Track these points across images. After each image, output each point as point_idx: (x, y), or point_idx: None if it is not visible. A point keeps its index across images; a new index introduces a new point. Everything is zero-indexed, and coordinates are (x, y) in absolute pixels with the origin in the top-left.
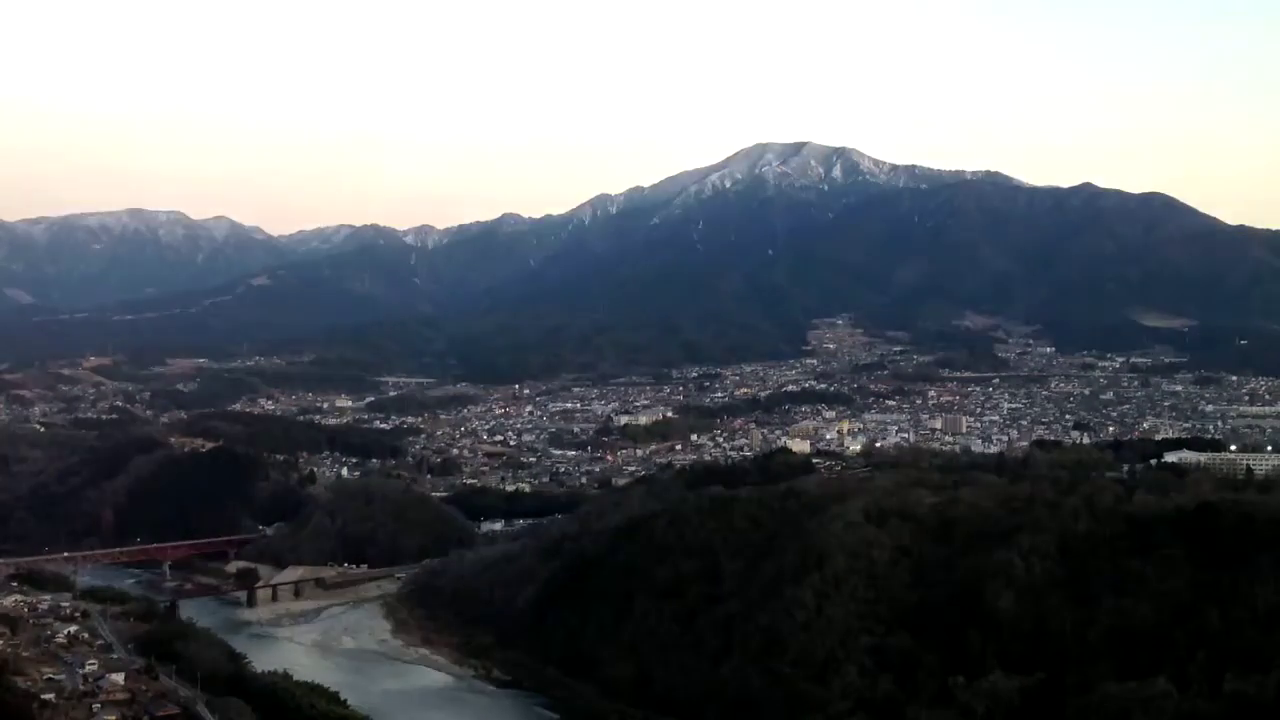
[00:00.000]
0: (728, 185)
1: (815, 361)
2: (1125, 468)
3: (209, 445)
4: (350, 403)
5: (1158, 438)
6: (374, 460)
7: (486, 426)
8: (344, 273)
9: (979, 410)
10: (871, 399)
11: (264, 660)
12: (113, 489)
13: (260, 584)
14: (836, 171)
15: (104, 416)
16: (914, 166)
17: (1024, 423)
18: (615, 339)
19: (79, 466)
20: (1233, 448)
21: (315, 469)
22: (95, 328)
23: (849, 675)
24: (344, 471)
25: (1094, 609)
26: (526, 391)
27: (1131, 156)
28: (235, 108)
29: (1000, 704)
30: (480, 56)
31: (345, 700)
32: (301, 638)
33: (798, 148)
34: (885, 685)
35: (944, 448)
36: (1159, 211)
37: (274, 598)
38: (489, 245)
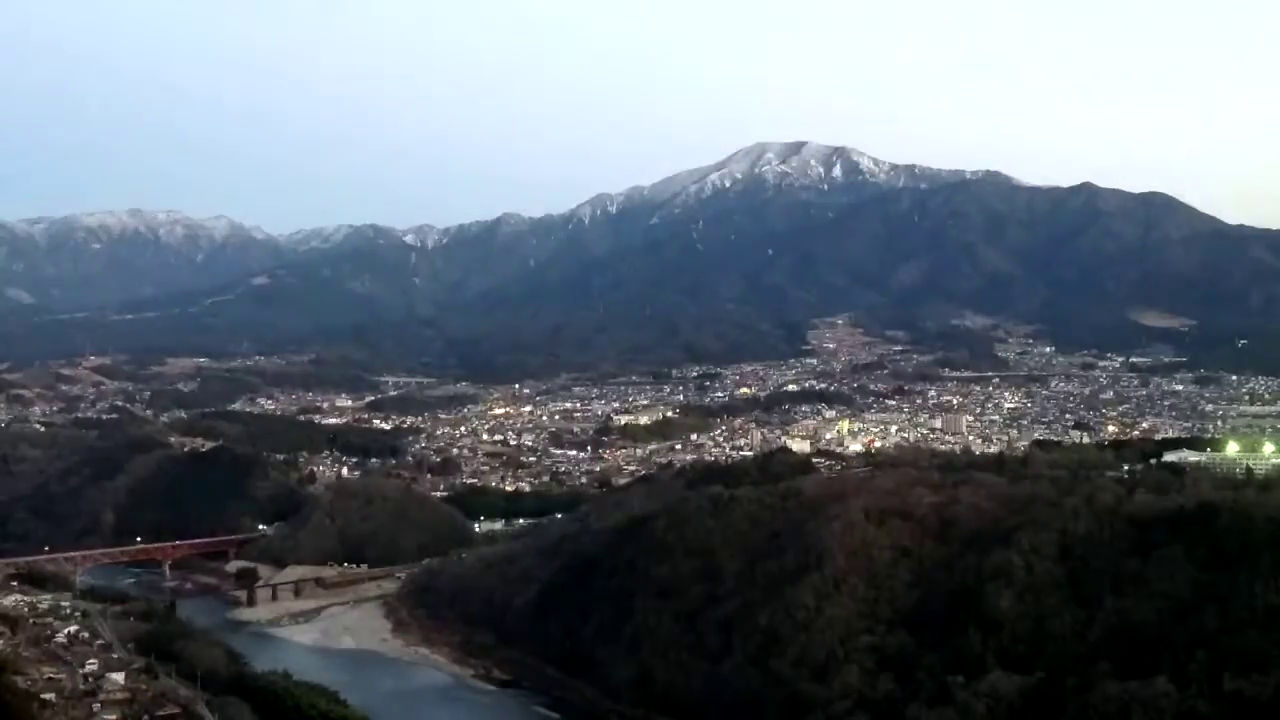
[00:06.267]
0: (728, 185)
1: (815, 361)
2: (1125, 468)
3: (209, 445)
4: (350, 403)
5: (1158, 437)
6: (374, 460)
7: (486, 426)
8: (344, 272)
9: (979, 410)
10: (871, 399)
11: (264, 660)
12: (113, 489)
13: (260, 584)
14: (836, 171)
15: (104, 416)
16: (914, 166)
17: (1024, 422)
18: (615, 339)
19: (79, 466)
20: (1234, 447)
21: (315, 469)
22: (95, 328)
23: (849, 675)
24: (344, 471)
25: (1094, 609)
26: (526, 391)
27: (1131, 156)
28: (236, 107)
29: (1000, 704)
30: (480, 56)
31: (345, 700)
32: (301, 637)
33: (798, 147)
34: (885, 685)
35: (944, 448)
36: (1159, 211)
37: (274, 597)
38: (489, 245)
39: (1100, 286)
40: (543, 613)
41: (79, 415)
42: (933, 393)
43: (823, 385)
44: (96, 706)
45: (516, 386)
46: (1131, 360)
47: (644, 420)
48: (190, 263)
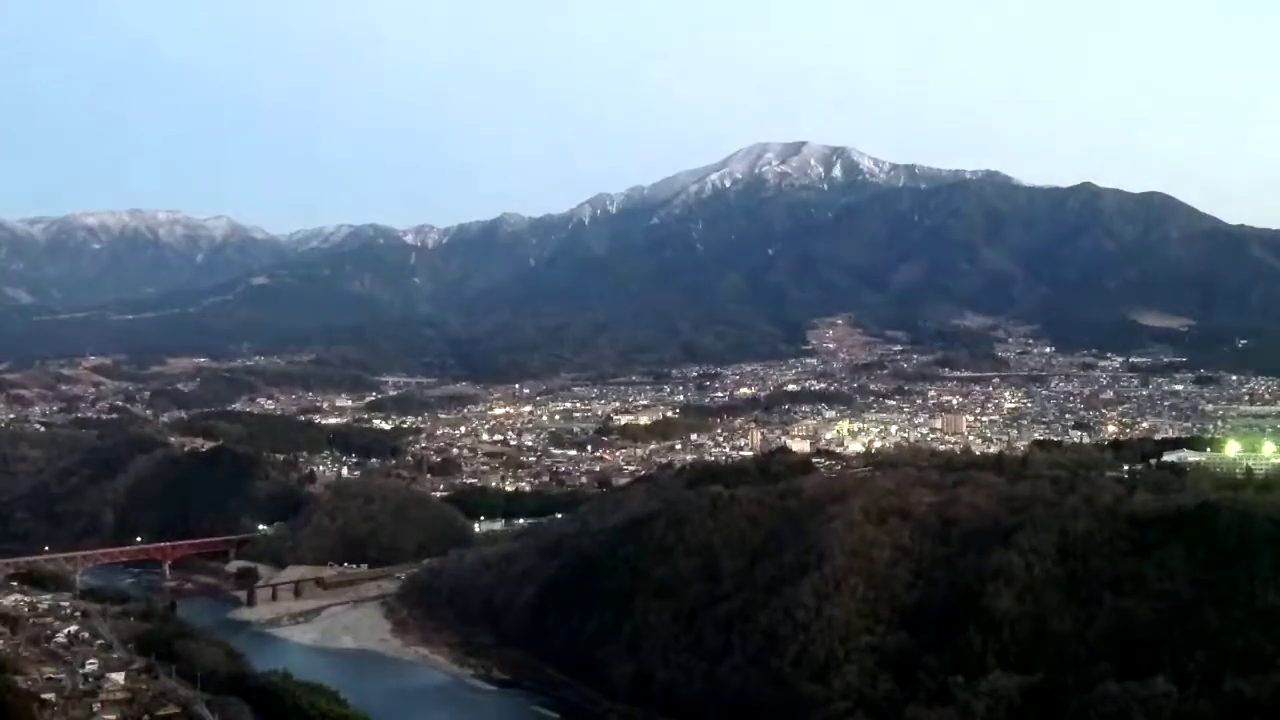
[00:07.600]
0: (728, 185)
1: (815, 361)
2: (1125, 468)
3: (209, 445)
4: (350, 402)
5: (1158, 437)
6: (374, 460)
7: (486, 426)
8: (344, 272)
9: (979, 410)
10: (871, 399)
11: (264, 660)
12: (113, 489)
13: (260, 583)
14: (836, 171)
15: (104, 416)
16: (914, 166)
17: (1024, 422)
18: (615, 339)
19: (79, 466)
20: (1234, 447)
21: (315, 469)
22: (95, 328)
23: (849, 675)
24: (344, 471)
25: (1094, 609)
26: (526, 391)
27: (1131, 156)
28: (235, 106)
29: (1000, 704)
30: (480, 55)
31: (345, 700)
32: (301, 637)
33: (797, 147)
34: (885, 685)
35: (944, 448)
36: (1159, 211)
37: (274, 597)
38: (489, 244)
39: (1100, 286)
40: (543, 613)
41: (79, 415)
42: (933, 393)
43: (823, 385)
44: (96, 706)
45: (516, 386)
46: (1131, 360)
47: (644, 420)
48: (190, 263)
